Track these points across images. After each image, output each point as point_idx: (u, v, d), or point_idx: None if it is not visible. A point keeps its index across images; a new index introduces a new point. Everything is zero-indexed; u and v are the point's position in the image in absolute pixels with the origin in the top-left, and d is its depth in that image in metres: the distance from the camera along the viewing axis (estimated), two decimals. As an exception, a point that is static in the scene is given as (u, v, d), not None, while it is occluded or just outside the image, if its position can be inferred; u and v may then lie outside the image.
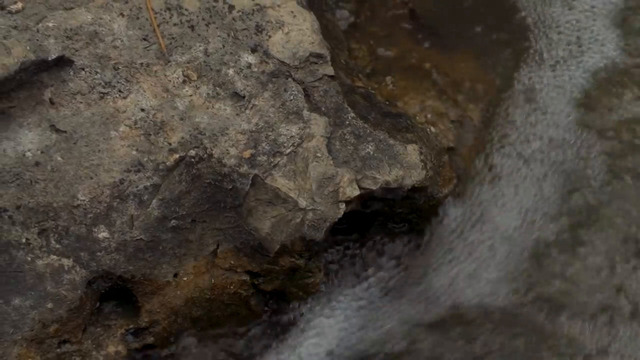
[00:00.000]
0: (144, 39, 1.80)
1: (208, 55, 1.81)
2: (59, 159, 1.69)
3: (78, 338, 1.72)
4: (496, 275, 1.93)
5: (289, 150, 1.76)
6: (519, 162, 2.05)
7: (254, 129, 1.77)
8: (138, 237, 1.71)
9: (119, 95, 1.75)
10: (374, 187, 1.79)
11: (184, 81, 1.78)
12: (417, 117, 2.04)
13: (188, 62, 1.80)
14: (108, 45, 1.77)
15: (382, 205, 1.88)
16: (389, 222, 1.97)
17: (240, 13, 1.85)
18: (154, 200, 1.71)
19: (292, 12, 1.87)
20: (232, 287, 1.82)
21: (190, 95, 1.77)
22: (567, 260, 1.94)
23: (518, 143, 2.06)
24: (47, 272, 1.66)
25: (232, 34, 1.83)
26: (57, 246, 1.67)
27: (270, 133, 1.77)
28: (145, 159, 1.71)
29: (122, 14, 1.80)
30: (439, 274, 1.94)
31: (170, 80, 1.78)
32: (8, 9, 1.74)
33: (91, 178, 1.69)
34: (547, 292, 1.91)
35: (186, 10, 1.83)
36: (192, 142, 1.74)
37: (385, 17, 2.23)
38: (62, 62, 1.73)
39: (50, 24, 1.75)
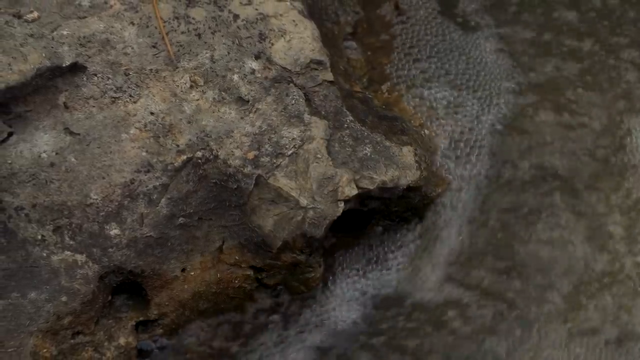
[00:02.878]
0: (153, 47, 1.81)
1: (214, 62, 1.82)
2: (73, 160, 1.70)
3: (91, 330, 1.72)
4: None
5: (290, 151, 1.78)
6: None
7: (257, 131, 1.78)
8: (148, 234, 1.72)
9: (130, 99, 1.76)
10: (371, 187, 1.80)
11: (191, 86, 1.79)
12: (412, 121, 2.04)
13: (195, 68, 1.81)
14: (119, 52, 1.78)
15: (379, 203, 1.89)
16: (386, 219, 1.98)
17: (245, 22, 1.86)
18: (163, 199, 1.73)
19: (293, 20, 1.88)
20: (236, 282, 1.83)
21: (197, 100, 1.78)
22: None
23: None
24: (62, 267, 1.67)
25: (237, 42, 1.84)
26: (71, 242, 1.69)
27: (273, 135, 1.78)
28: (154, 160, 1.73)
29: (132, 23, 1.81)
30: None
31: (178, 86, 1.78)
32: (25, 17, 1.75)
33: (103, 178, 1.70)
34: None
35: (193, 19, 1.84)
36: (199, 144, 1.75)
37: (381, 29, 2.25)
38: (76, 68, 1.74)
39: (65, 32, 1.76)
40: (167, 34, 1.82)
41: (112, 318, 1.78)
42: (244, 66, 1.83)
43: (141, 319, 1.79)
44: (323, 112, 1.84)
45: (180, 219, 1.74)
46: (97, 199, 1.70)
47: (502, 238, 1.99)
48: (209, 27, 1.85)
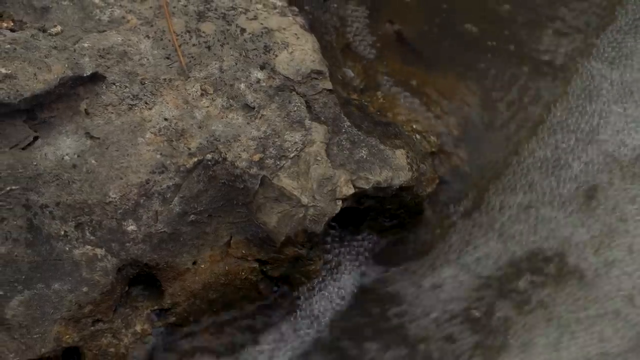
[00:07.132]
0: (167, 58, 1.86)
1: (223, 72, 1.87)
2: (93, 162, 1.75)
3: (109, 318, 1.76)
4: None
5: (293, 154, 1.82)
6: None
7: (262, 135, 1.83)
8: (162, 230, 1.76)
9: (145, 106, 1.81)
10: (366, 187, 1.85)
11: (202, 94, 1.84)
12: (404, 126, 2.09)
13: (205, 78, 1.86)
14: (136, 63, 1.84)
15: (374, 202, 1.93)
16: (380, 216, 2.02)
17: (251, 35, 1.92)
18: (176, 198, 1.77)
19: (295, 34, 1.94)
20: (243, 274, 1.85)
21: (207, 107, 1.83)
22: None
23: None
24: (83, 261, 1.72)
25: (244, 54, 1.90)
26: (92, 238, 1.73)
27: (276, 139, 1.83)
28: (168, 162, 1.77)
29: (148, 36, 1.87)
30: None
31: (189, 94, 1.84)
32: (49, 31, 1.82)
33: (121, 178, 1.75)
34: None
35: (204, 32, 1.90)
36: (209, 147, 1.79)
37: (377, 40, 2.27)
38: (96, 78, 1.80)
39: (86, 45, 1.82)
40: (179, 46, 1.87)
41: (129, 307, 1.81)
42: (250, 76, 1.88)
43: (156, 307, 1.83)
44: (323, 118, 1.89)
45: (192, 216, 1.78)
46: (115, 198, 1.74)
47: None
48: (218, 40, 1.90)
